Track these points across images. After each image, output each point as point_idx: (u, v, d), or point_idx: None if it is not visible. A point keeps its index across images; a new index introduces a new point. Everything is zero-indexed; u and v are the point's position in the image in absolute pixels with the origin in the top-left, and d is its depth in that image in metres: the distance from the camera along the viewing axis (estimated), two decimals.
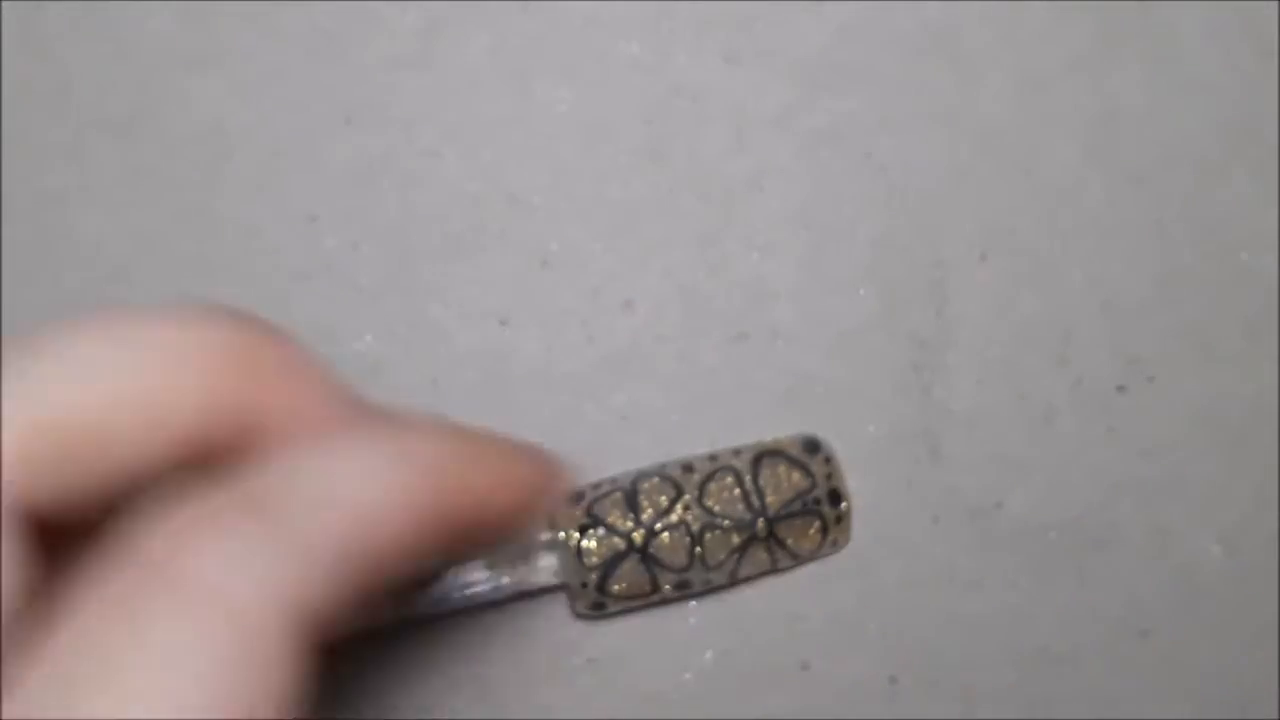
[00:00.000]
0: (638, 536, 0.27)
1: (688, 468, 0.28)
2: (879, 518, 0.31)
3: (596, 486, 0.28)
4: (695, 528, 0.27)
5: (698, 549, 0.27)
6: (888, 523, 0.30)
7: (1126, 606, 0.30)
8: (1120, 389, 0.31)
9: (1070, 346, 0.31)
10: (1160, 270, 0.31)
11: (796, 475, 0.28)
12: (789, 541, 0.27)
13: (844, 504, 0.28)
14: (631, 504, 0.27)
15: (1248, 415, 0.31)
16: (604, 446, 0.29)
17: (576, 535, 0.27)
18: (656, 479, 0.27)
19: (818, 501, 0.28)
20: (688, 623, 0.30)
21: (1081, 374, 0.31)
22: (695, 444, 0.30)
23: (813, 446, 0.28)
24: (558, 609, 0.30)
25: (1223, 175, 0.31)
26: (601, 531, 0.27)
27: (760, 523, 0.28)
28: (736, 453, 0.28)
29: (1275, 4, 0.31)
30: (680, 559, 0.27)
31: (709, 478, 0.27)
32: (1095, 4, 0.31)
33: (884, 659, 0.30)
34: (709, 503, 0.27)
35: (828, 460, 0.28)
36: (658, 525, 0.27)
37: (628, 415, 0.30)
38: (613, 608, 0.28)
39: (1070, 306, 0.31)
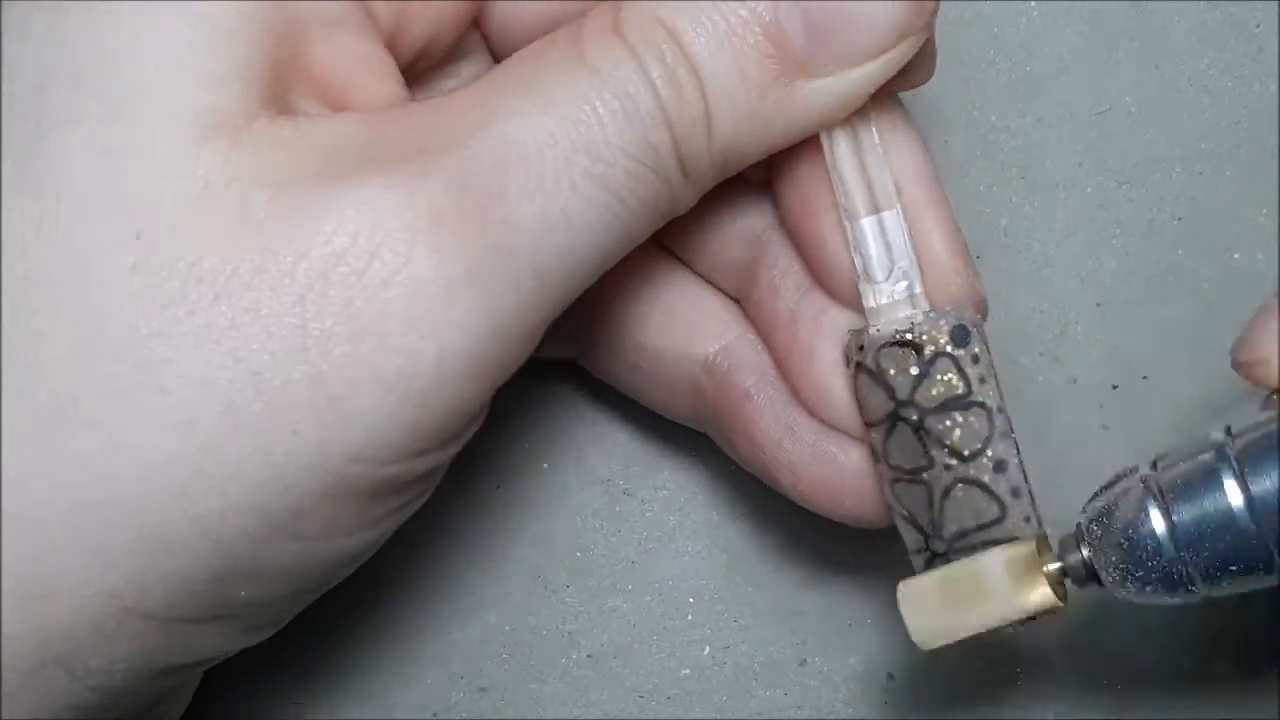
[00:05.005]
0: None
1: None
2: None
3: None
4: None
5: None
6: None
7: (1122, 603, 0.30)
8: (1114, 387, 0.31)
9: (1064, 345, 0.31)
10: (1153, 269, 0.31)
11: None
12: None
13: None
14: None
15: (1241, 413, 0.31)
16: None
17: None
18: None
19: None
20: (686, 618, 0.30)
21: (1075, 372, 0.31)
22: None
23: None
24: (557, 604, 0.30)
25: (1214, 175, 0.31)
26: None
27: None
28: None
29: (1264, 4, 0.31)
30: None
31: None
32: (1089, 5, 0.31)
33: (881, 655, 0.30)
34: None
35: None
36: None
37: None
38: None
39: (1064, 305, 0.31)
